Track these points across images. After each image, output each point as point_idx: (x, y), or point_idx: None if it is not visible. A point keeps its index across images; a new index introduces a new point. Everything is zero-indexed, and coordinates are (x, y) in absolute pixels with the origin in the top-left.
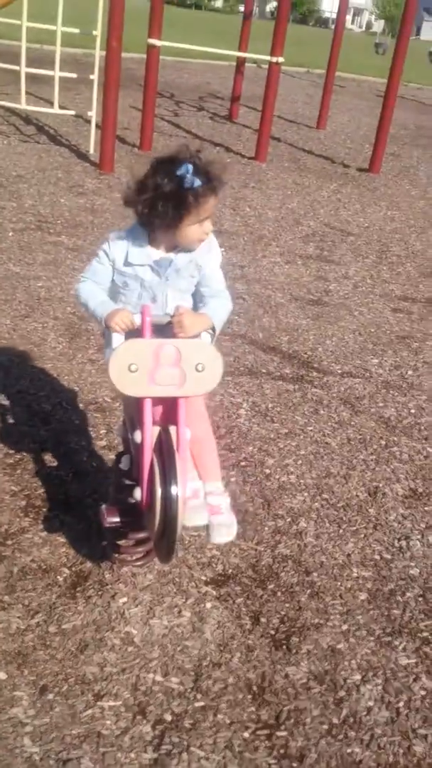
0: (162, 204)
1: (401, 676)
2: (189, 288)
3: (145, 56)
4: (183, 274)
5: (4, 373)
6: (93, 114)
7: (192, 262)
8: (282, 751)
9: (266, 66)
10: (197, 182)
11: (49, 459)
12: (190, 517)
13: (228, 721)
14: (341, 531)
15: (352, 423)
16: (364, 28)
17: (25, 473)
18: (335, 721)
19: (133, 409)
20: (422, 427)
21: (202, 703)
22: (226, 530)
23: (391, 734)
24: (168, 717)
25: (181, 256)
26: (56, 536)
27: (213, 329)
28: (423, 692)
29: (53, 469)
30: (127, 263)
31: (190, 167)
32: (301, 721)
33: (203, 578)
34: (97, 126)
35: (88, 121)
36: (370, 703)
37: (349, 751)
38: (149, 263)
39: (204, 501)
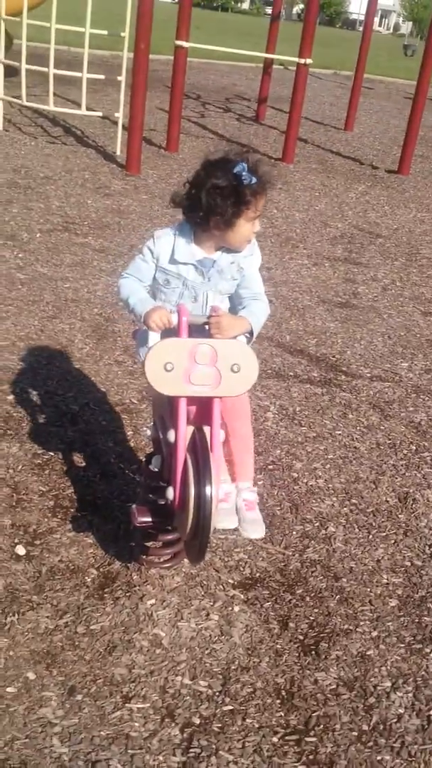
0: (220, 201)
1: None
2: (229, 290)
3: (172, 58)
4: (225, 276)
5: (33, 373)
6: (120, 115)
7: (234, 263)
8: (311, 756)
9: (293, 67)
10: (254, 179)
11: (77, 460)
12: (220, 520)
13: (257, 726)
14: (371, 537)
15: (382, 427)
16: (391, 30)
17: (53, 473)
18: (365, 727)
19: (165, 408)
20: None
21: (230, 707)
22: (260, 527)
23: (422, 742)
24: (196, 720)
25: (225, 257)
26: (84, 537)
27: (251, 333)
28: None
29: (81, 469)
30: (172, 260)
31: (245, 165)
32: (330, 727)
33: (231, 581)
34: (123, 127)
35: (115, 123)
36: (401, 711)
37: (379, 758)
38: (193, 262)
39: (234, 505)
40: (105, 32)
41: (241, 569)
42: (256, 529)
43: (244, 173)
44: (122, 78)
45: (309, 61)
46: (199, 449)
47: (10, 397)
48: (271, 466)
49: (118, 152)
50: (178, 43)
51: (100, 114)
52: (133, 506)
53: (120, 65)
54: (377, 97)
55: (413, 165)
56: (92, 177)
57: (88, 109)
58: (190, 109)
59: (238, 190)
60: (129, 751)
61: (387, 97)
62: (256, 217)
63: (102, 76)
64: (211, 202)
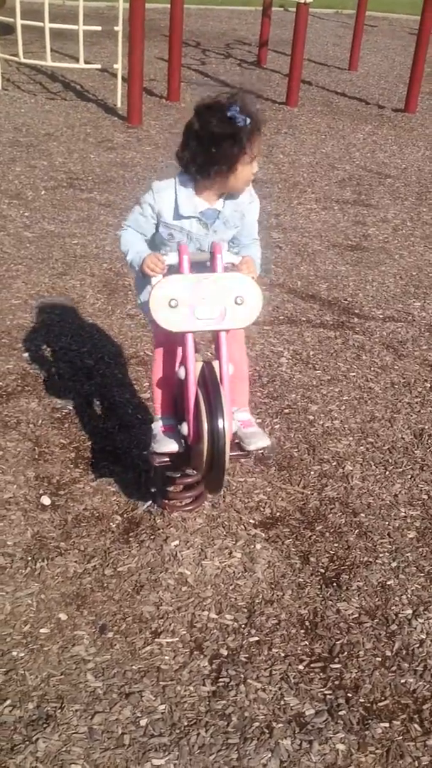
0: (219, 147)
1: None
2: (230, 237)
3: (168, 6)
4: (229, 225)
5: (46, 330)
6: (119, 67)
7: (237, 212)
8: (337, 682)
9: (293, 9)
10: (248, 121)
11: (96, 412)
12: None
13: (282, 655)
14: (387, 473)
15: (396, 367)
16: None
17: (73, 426)
18: (388, 653)
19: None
20: None
21: (256, 638)
22: (262, 436)
23: None
24: (224, 652)
25: (228, 206)
26: (107, 485)
27: None
28: None
29: (100, 421)
30: (177, 216)
31: (237, 107)
32: (354, 653)
33: (252, 521)
34: (123, 79)
35: (115, 75)
36: (423, 636)
37: (402, 681)
38: (196, 215)
39: (257, 427)
40: None
41: (262, 509)
42: (259, 439)
43: (238, 116)
44: (119, 28)
45: (309, 0)
46: (210, 383)
47: (26, 355)
48: (287, 410)
49: (119, 104)
50: None
51: (98, 67)
52: (151, 447)
53: (116, 16)
54: (381, 34)
55: (420, 102)
56: (94, 131)
57: (86, 62)
58: (190, 57)
59: (234, 134)
60: (161, 683)
61: (391, 34)
62: (252, 160)
63: (99, 28)
64: (211, 149)
